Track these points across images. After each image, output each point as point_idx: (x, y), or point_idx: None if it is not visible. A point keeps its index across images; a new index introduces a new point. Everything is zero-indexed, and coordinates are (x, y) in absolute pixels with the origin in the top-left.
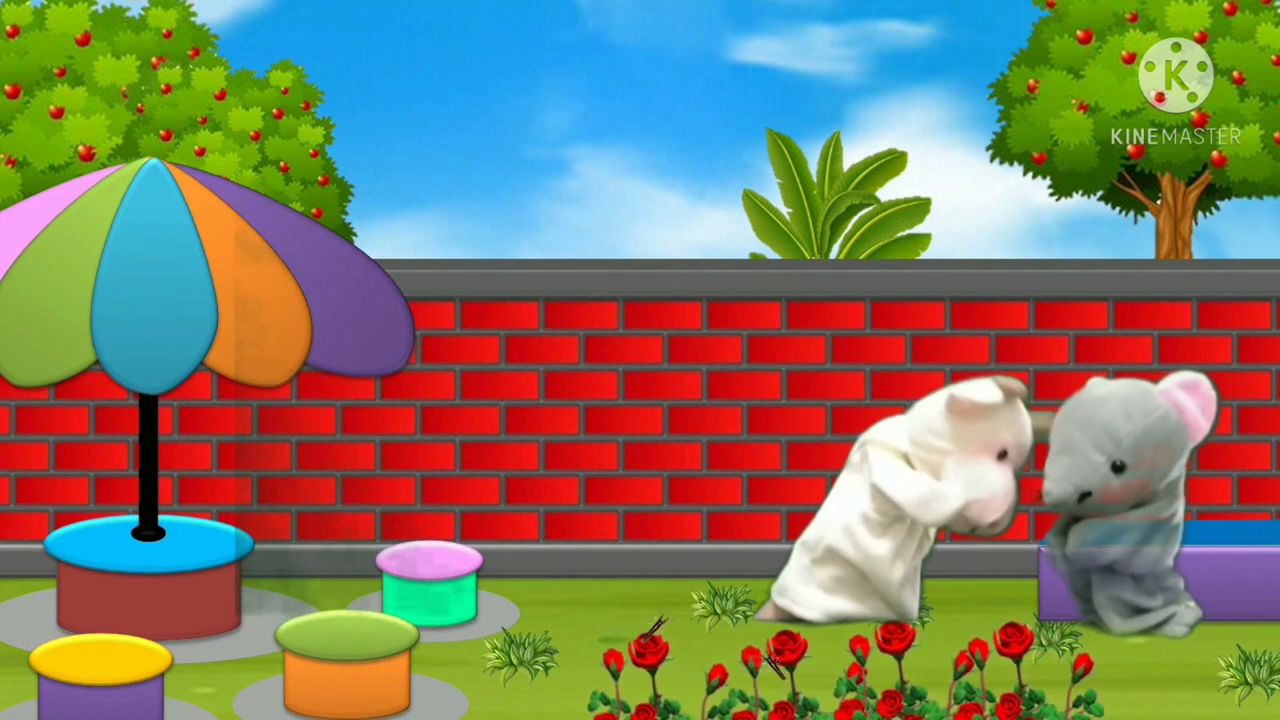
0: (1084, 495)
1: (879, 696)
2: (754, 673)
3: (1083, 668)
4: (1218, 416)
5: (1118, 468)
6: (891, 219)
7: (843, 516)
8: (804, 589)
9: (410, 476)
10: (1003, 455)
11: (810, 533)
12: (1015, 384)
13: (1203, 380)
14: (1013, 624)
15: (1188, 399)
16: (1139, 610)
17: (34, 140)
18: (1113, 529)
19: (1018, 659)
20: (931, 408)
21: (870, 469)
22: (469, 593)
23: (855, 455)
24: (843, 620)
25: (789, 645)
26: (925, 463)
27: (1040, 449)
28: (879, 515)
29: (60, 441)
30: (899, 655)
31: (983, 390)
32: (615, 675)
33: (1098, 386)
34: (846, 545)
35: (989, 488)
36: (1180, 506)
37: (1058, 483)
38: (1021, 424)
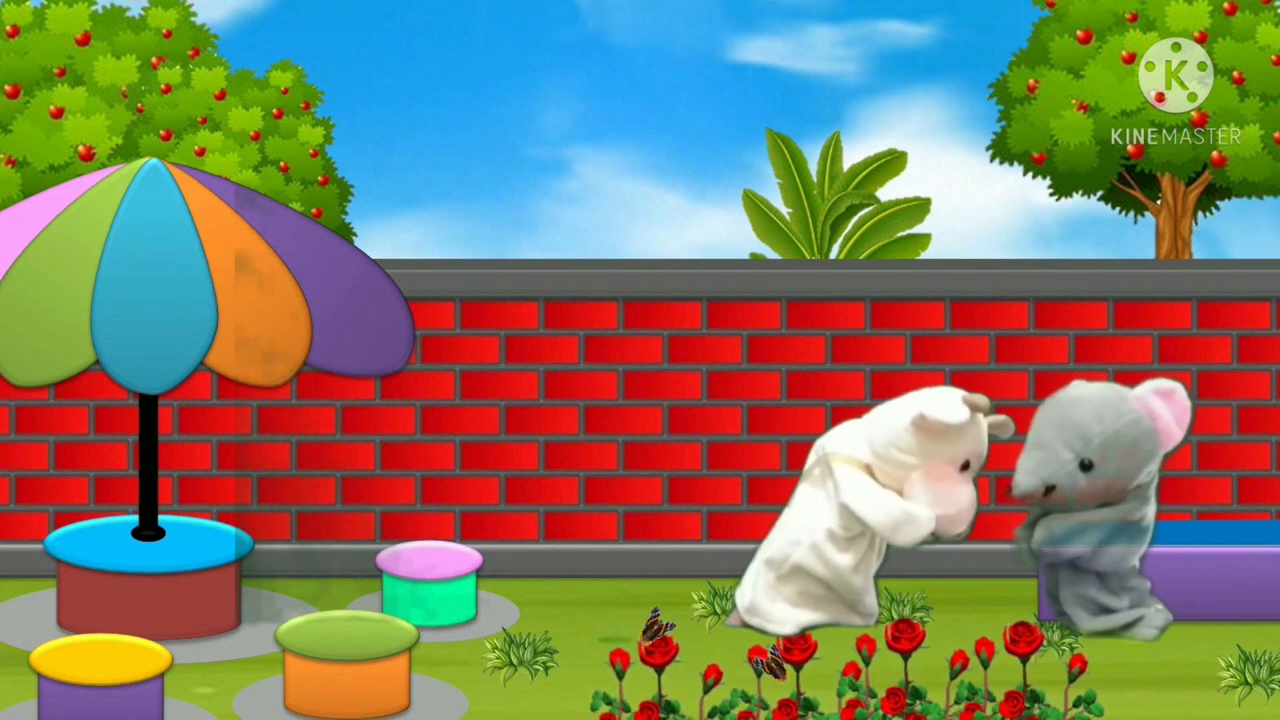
0: (1049, 489)
1: (879, 695)
2: (759, 673)
3: (1078, 668)
4: (1192, 423)
5: (1085, 466)
6: (891, 219)
7: (808, 534)
8: (773, 606)
9: (410, 476)
10: (965, 467)
11: (773, 550)
12: (981, 399)
13: (1178, 388)
14: (1023, 623)
15: (1162, 406)
16: (1105, 609)
17: (34, 140)
18: (1078, 526)
19: (1025, 658)
20: (896, 422)
21: (838, 487)
22: (469, 593)
23: (815, 469)
24: (811, 627)
25: (799, 645)
26: (889, 475)
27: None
28: (844, 531)
29: (60, 441)
30: (906, 655)
31: (951, 410)
32: (620, 675)
33: (1076, 387)
34: (814, 563)
35: (956, 503)
36: (1150, 510)
37: (1026, 476)
38: (982, 436)
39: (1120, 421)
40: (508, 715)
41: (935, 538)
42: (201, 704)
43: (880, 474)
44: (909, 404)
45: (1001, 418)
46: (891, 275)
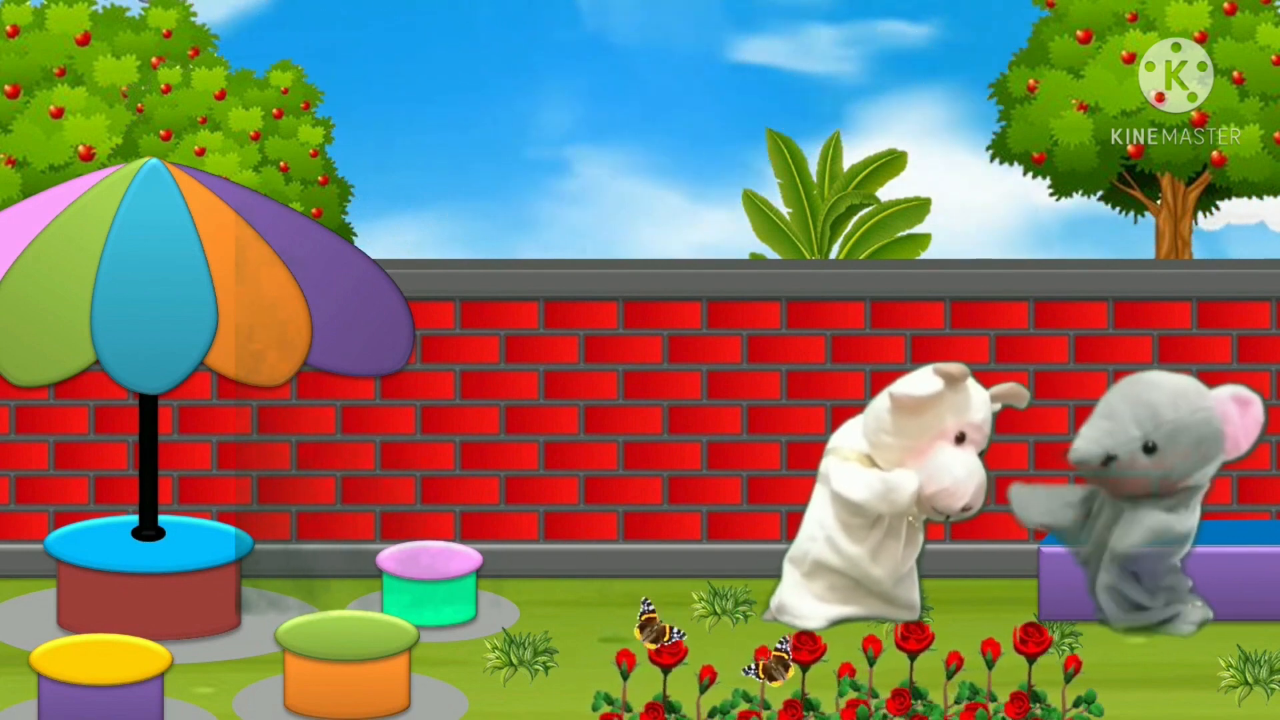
0: (1109, 459)
1: (881, 695)
2: (759, 678)
3: (1073, 668)
4: (1260, 439)
5: (1149, 449)
6: (891, 219)
7: (821, 529)
8: (801, 603)
9: (410, 476)
10: (961, 438)
11: (795, 548)
12: (955, 367)
13: (1256, 401)
14: (1033, 624)
15: (1236, 413)
16: (1138, 607)
17: (34, 140)
18: (1128, 520)
19: (1033, 659)
20: (879, 405)
21: (830, 479)
22: (469, 593)
23: (822, 465)
24: (843, 620)
25: (807, 645)
26: (888, 461)
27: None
28: (852, 519)
29: (60, 441)
30: (914, 655)
31: (921, 383)
32: (625, 675)
33: (1158, 373)
34: (830, 555)
35: (951, 475)
36: (1194, 518)
37: (1089, 442)
38: (970, 404)
39: (1194, 415)
40: (508, 715)
41: (946, 516)
42: (201, 704)
43: (881, 462)
44: (888, 388)
45: (1010, 385)
46: (891, 275)
